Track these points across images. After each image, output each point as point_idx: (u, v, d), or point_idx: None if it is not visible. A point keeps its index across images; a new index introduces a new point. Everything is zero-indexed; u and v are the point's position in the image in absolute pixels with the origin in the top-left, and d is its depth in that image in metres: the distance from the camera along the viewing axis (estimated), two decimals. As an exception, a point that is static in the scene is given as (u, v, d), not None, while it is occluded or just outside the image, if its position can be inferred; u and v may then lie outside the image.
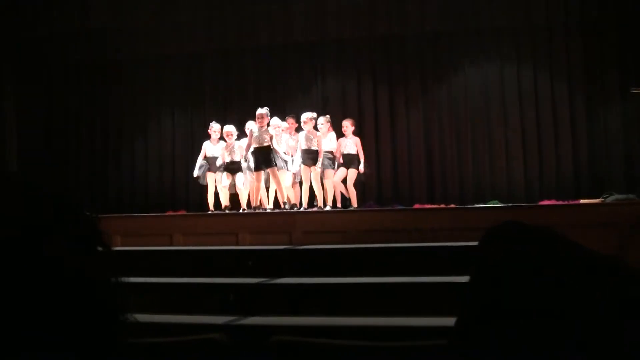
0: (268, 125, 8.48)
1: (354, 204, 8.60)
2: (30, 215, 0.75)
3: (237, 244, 7.04)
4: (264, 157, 8.21)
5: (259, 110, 8.41)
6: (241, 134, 9.04)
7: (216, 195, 8.99)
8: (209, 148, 9.05)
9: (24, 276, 0.71)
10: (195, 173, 9.14)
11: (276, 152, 8.33)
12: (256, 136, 8.30)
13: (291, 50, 10.91)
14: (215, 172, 8.94)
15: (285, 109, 9.83)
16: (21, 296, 0.71)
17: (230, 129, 8.85)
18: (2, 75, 10.75)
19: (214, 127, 9.11)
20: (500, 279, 0.80)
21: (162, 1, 10.73)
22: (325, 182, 8.46)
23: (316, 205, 8.41)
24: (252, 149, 8.35)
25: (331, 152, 8.54)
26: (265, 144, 8.26)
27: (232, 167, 8.69)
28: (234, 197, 8.88)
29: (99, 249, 0.81)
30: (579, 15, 9.86)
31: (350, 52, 10.79)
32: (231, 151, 8.75)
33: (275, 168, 8.21)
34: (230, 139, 8.77)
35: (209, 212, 8.86)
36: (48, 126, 11.47)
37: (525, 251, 0.82)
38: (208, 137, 9.22)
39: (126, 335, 0.81)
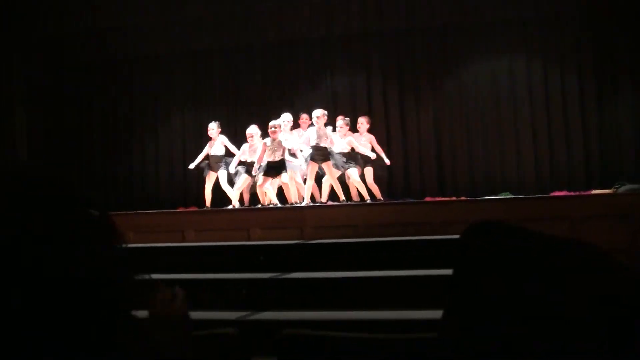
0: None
1: (379, 196, 8.64)
2: (35, 215, 0.75)
3: (249, 240, 7.06)
4: (275, 168, 8.22)
5: (272, 122, 8.36)
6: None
7: (213, 192, 9.04)
8: (210, 146, 9.07)
9: (28, 275, 0.71)
10: (192, 166, 9.19)
11: (288, 162, 8.31)
12: (269, 150, 8.27)
13: (300, 47, 10.90)
14: (216, 172, 8.96)
15: (294, 105, 9.83)
16: (26, 295, 0.70)
17: (252, 130, 8.78)
18: (13, 74, 10.81)
19: (210, 126, 9.13)
20: (485, 272, 0.81)
21: (160, 1, 10.73)
22: (353, 181, 8.52)
23: (342, 202, 8.43)
24: (265, 161, 8.31)
25: (348, 153, 8.55)
26: (278, 159, 8.24)
27: (251, 169, 8.64)
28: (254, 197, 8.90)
29: (110, 246, 0.81)
30: (588, 7, 9.79)
31: (359, 48, 10.76)
32: (253, 152, 8.67)
33: (285, 174, 8.22)
34: (251, 140, 8.72)
35: (205, 208, 8.89)
36: (59, 125, 11.53)
37: (509, 245, 0.82)
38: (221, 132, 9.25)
39: (137, 332, 0.81)
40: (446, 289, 0.86)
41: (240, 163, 8.87)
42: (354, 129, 8.95)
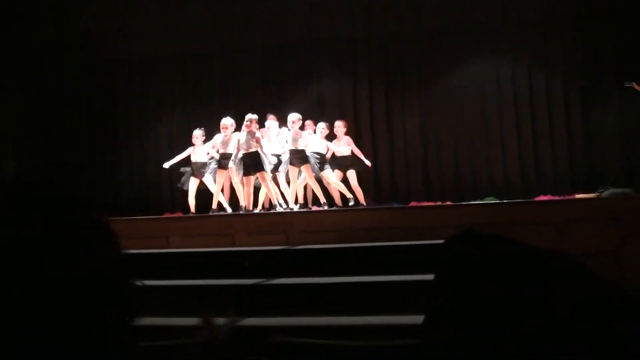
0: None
1: (362, 201, 8.60)
2: (35, 215, 0.74)
3: (234, 245, 7.02)
4: (253, 162, 8.22)
5: (248, 116, 8.40)
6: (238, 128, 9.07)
7: (197, 199, 9.00)
8: (193, 153, 8.98)
9: (28, 275, 0.71)
10: (167, 165, 9.10)
11: (264, 154, 8.31)
12: (243, 142, 8.28)
13: (287, 50, 10.90)
14: (200, 178, 8.89)
15: (282, 108, 9.81)
16: (26, 295, 0.70)
17: (226, 122, 8.73)
18: (11, 74, 10.74)
19: (195, 133, 9.05)
20: (480, 275, 0.81)
21: (155, 2, 10.71)
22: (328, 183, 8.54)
23: (323, 204, 8.45)
24: (240, 155, 8.32)
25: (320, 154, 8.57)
26: (252, 150, 8.25)
27: (225, 162, 8.63)
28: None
29: (109, 247, 0.81)
30: (574, 11, 9.86)
31: (346, 51, 10.79)
32: (225, 144, 8.66)
33: (264, 172, 8.21)
34: (225, 131, 8.67)
35: (191, 214, 8.81)
36: (48, 127, 11.43)
37: (498, 251, 0.82)
38: (205, 139, 9.18)
39: (132, 337, 0.81)
40: (430, 294, 0.85)
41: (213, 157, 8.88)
42: (331, 132, 8.94)
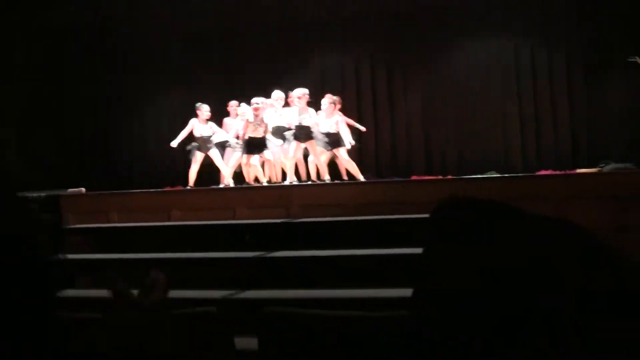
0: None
1: (358, 175, 8.48)
2: None
3: (235, 219, 7.04)
4: (258, 145, 8.27)
5: (255, 99, 8.35)
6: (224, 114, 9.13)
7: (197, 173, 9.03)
8: (197, 127, 8.92)
9: None
10: (174, 144, 9.06)
11: (268, 140, 8.34)
12: (252, 126, 8.26)
13: (288, 29, 10.83)
14: (205, 152, 8.86)
15: (283, 85, 9.76)
16: None
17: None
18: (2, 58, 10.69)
19: (203, 108, 8.99)
20: (453, 250, 0.79)
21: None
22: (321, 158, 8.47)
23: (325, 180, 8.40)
24: (247, 137, 8.30)
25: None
26: (260, 136, 8.29)
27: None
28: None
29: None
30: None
31: (348, 29, 10.71)
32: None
33: (268, 151, 8.30)
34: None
35: (189, 187, 8.81)
36: (48, 106, 11.41)
37: (478, 221, 0.80)
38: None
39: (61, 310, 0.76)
40: (416, 267, 0.85)
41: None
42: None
